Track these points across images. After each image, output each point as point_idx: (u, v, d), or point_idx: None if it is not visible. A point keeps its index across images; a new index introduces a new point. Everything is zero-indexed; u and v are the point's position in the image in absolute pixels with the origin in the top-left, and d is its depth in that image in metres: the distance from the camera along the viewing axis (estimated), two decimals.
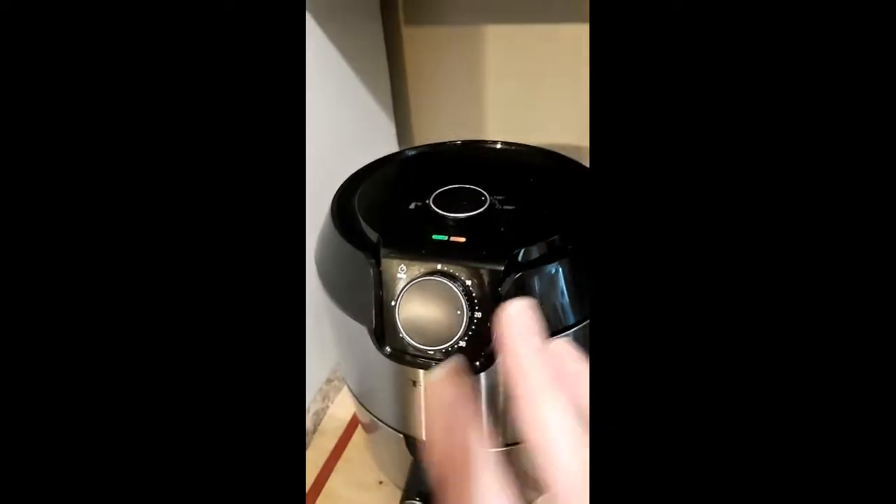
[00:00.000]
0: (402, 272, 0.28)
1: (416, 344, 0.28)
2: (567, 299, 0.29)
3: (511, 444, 0.34)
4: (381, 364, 0.31)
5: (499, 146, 0.42)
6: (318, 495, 0.46)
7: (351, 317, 0.31)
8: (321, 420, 0.54)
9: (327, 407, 0.55)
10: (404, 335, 0.28)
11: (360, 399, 0.39)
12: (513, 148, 0.41)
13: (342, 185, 0.38)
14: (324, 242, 0.35)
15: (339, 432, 0.52)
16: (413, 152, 0.43)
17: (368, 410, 0.38)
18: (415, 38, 0.63)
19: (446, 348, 0.28)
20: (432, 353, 0.29)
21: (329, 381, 0.58)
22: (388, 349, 0.30)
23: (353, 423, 0.53)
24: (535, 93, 0.61)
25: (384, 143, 0.65)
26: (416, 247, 0.29)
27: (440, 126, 0.69)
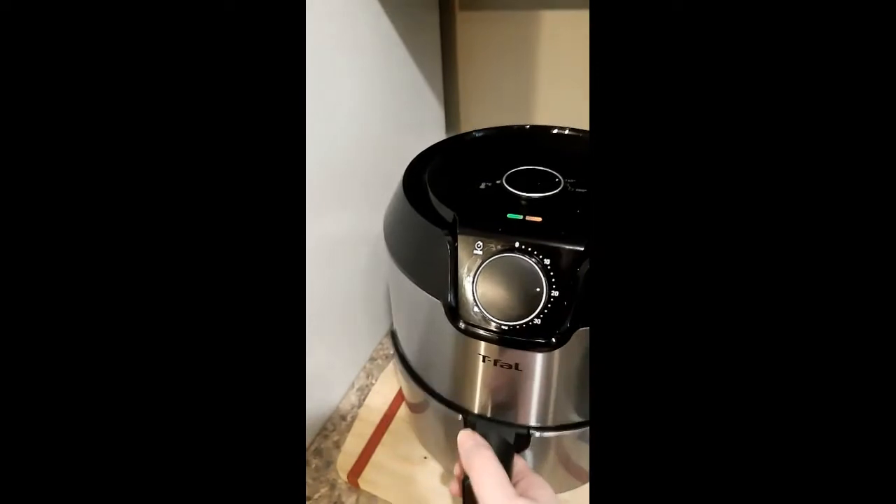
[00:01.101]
0: (479, 249, 0.29)
1: (493, 318, 0.29)
2: None
3: (567, 426, 0.35)
4: (450, 338, 0.32)
5: (567, 132, 0.42)
6: (365, 465, 0.48)
7: (425, 290, 0.32)
8: (366, 395, 0.55)
9: (372, 384, 0.57)
10: (481, 310, 0.29)
11: (418, 372, 0.39)
12: (579, 134, 0.42)
13: (411, 164, 0.39)
14: (394, 218, 0.36)
15: (385, 408, 0.53)
16: (479, 134, 0.44)
17: (426, 384, 0.39)
18: (469, 23, 0.63)
19: (522, 325, 0.29)
20: (506, 328, 0.29)
21: (372, 359, 0.60)
22: (461, 324, 0.30)
23: (398, 400, 0.54)
24: (586, 80, 0.60)
25: (433, 127, 0.65)
26: (492, 225, 0.29)
27: (490, 111, 0.69)
